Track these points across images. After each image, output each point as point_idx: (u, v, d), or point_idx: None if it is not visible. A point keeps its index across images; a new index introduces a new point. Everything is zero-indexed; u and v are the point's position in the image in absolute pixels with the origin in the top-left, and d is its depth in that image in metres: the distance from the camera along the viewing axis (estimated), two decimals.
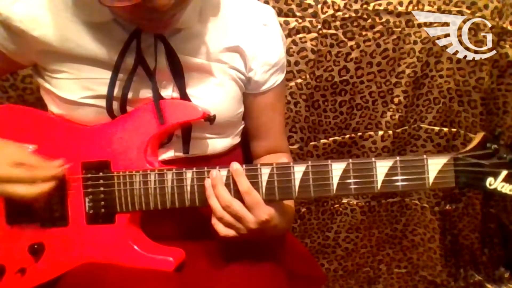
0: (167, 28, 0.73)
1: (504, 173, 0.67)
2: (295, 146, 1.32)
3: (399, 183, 0.70)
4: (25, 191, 0.69)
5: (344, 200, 1.43)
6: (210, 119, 0.77)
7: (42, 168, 0.71)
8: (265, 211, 0.70)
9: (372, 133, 1.35)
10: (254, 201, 0.70)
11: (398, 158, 0.70)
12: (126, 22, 0.74)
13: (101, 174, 0.76)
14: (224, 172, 0.72)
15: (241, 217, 0.70)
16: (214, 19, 0.82)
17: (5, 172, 0.69)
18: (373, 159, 0.70)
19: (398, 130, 1.34)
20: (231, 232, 0.72)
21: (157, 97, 0.76)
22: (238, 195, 0.71)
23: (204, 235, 0.86)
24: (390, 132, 1.34)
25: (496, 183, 0.68)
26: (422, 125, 1.37)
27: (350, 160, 0.71)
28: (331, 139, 1.34)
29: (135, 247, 0.76)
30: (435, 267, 1.52)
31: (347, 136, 1.35)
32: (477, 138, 0.70)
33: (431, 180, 0.70)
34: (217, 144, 0.87)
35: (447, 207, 1.44)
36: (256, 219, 0.70)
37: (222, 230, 0.72)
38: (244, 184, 0.71)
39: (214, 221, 0.72)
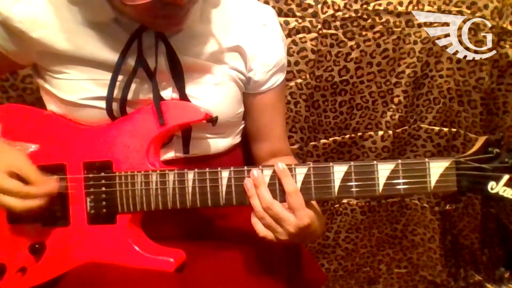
0: (181, 26, 0.73)
1: (506, 177, 0.67)
2: (295, 146, 1.32)
3: (401, 187, 0.70)
4: (14, 204, 0.70)
5: (344, 200, 1.43)
6: (212, 120, 0.77)
7: (36, 184, 0.71)
8: (306, 214, 0.68)
9: (372, 133, 1.35)
10: (298, 203, 0.68)
11: (400, 161, 0.69)
12: (135, 21, 0.74)
13: (102, 174, 0.76)
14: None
15: (281, 219, 0.68)
16: (214, 19, 0.82)
17: (2, 182, 0.70)
18: (375, 162, 0.70)
19: (398, 130, 1.34)
20: (270, 234, 0.70)
21: (158, 98, 0.76)
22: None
23: (205, 236, 0.87)
24: (390, 132, 1.34)
25: (498, 187, 0.67)
26: (422, 125, 1.37)
27: (352, 163, 0.70)
28: (331, 139, 1.34)
29: (136, 247, 0.75)
30: (435, 267, 1.52)
31: (347, 136, 1.35)
32: (479, 142, 0.70)
33: (432, 184, 0.69)
34: (217, 144, 0.87)
35: (447, 207, 1.44)
36: (298, 222, 0.68)
37: (262, 231, 0.70)
38: (290, 185, 0.69)
39: (255, 220, 0.71)
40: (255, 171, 0.71)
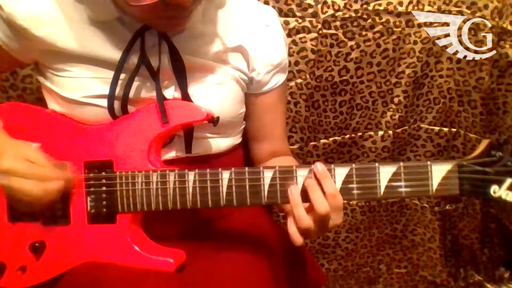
0: (183, 26, 0.74)
1: (508, 181, 0.66)
2: (295, 146, 1.32)
3: (402, 189, 0.69)
4: (33, 187, 0.69)
5: (344, 200, 1.43)
6: (213, 120, 0.77)
7: (51, 169, 0.71)
8: (341, 215, 0.68)
9: (372, 133, 1.35)
10: (339, 204, 0.68)
11: (401, 163, 0.69)
12: (138, 21, 0.74)
13: (103, 173, 0.76)
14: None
15: (327, 221, 0.68)
16: (216, 20, 0.82)
17: (16, 165, 0.69)
18: (376, 164, 0.70)
19: (398, 130, 1.34)
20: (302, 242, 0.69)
21: (161, 97, 0.76)
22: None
23: (205, 236, 0.87)
24: (390, 132, 1.34)
25: (500, 191, 0.67)
26: (422, 125, 1.37)
27: (353, 165, 0.70)
28: (331, 139, 1.34)
29: (136, 247, 0.75)
30: (435, 267, 1.52)
31: (347, 136, 1.35)
32: (482, 145, 0.69)
33: (434, 187, 0.69)
34: (218, 143, 0.87)
35: (447, 207, 1.44)
36: (333, 223, 0.68)
37: (299, 240, 0.69)
38: (331, 186, 0.68)
39: (294, 230, 0.69)
40: (319, 165, 0.69)
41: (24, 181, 0.69)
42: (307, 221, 0.67)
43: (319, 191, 0.68)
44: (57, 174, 0.71)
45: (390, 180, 0.69)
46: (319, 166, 0.69)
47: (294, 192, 0.69)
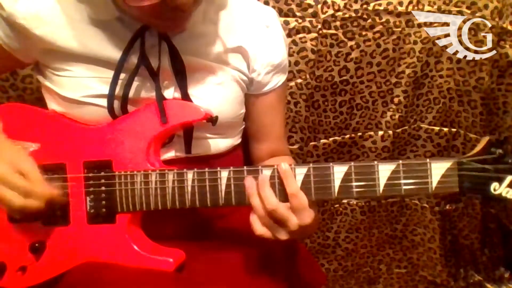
0: (182, 27, 0.73)
1: (509, 178, 0.66)
2: (295, 146, 1.32)
3: (402, 187, 0.69)
4: (14, 199, 0.68)
5: (344, 200, 1.43)
6: (212, 120, 0.77)
7: (36, 184, 0.70)
8: (309, 215, 0.68)
9: (372, 133, 1.35)
10: (302, 204, 0.67)
11: (401, 161, 0.69)
12: (137, 21, 0.74)
13: (102, 173, 0.75)
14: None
15: (284, 220, 0.67)
16: (217, 20, 0.82)
17: (5, 173, 0.69)
18: (376, 162, 0.69)
19: (398, 130, 1.35)
20: (267, 233, 0.69)
21: (160, 97, 0.76)
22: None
23: (204, 236, 0.87)
24: (390, 132, 1.34)
25: (500, 189, 0.66)
26: (422, 125, 1.37)
27: (352, 163, 0.70)
28: (331, 139, 1.35)
29: (135, 247, 0.75)
30: (435, 267, 1.52)
31: (347, 136, 1.35)
32: (482, 142, 0.69)
33: (434, 185, 0.68)
34: (218, 144, 0.87)
35: (447, 207, 1.45)
36: (300, 223, 0.67)
37: (259, 229, 0.69)
38: (293, 185, 0.68)
39: (253, 218, 0.69)
40: (261, 173, 0.70)
41: (7, 190, 0.68)
42: (262, 212, 0.68)
43: (262, 191, 0.69)
44: (42, 192, 0.70)
45: (390, 178, 0.69)
46: (283, 165, 0.69)
47: (248, 182, 0.70)
